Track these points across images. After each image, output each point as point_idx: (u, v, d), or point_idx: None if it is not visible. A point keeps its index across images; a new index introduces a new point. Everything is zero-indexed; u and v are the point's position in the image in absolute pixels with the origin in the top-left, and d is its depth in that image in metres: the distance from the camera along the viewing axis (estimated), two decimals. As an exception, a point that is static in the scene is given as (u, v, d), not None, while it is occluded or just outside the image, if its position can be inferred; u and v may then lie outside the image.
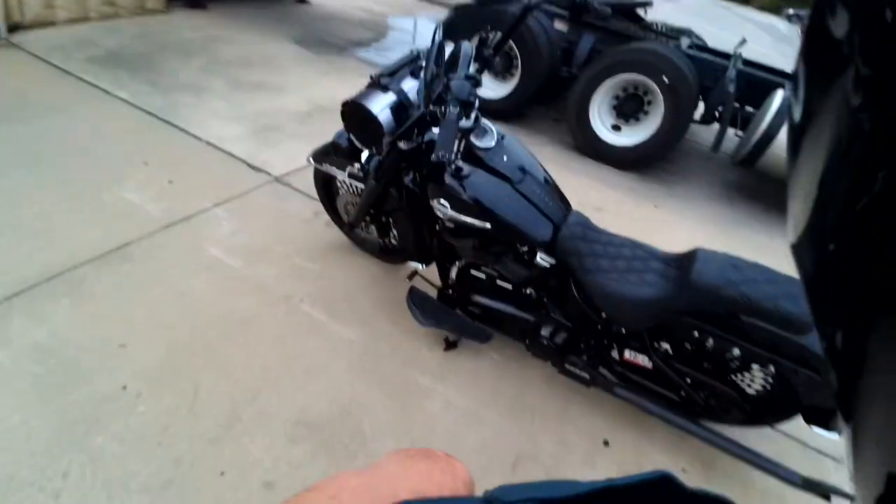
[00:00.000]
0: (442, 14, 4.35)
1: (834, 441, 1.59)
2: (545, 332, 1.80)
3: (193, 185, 2.64)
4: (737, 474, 1.77)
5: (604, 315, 1.67)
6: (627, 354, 1.75)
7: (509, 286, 1.86)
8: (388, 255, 2.33)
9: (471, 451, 1.68)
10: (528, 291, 1.83)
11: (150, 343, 1.79)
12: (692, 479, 1.72)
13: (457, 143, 1.49)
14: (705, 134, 4.26)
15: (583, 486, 0.29)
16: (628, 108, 3.77)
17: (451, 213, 1.65)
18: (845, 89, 0.17)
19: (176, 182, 2.63)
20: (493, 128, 1.72)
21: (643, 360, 1.73)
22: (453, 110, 1.40)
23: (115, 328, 1.81)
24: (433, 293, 2.05)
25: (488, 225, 1.63)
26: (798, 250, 0.21)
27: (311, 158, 2.11)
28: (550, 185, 1.78)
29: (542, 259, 1.69)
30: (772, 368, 1.49)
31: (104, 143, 2.80)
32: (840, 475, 1.81)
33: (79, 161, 2.62)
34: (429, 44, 1.65)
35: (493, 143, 1.68)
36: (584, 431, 1.83)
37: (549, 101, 4.52)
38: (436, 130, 1.67)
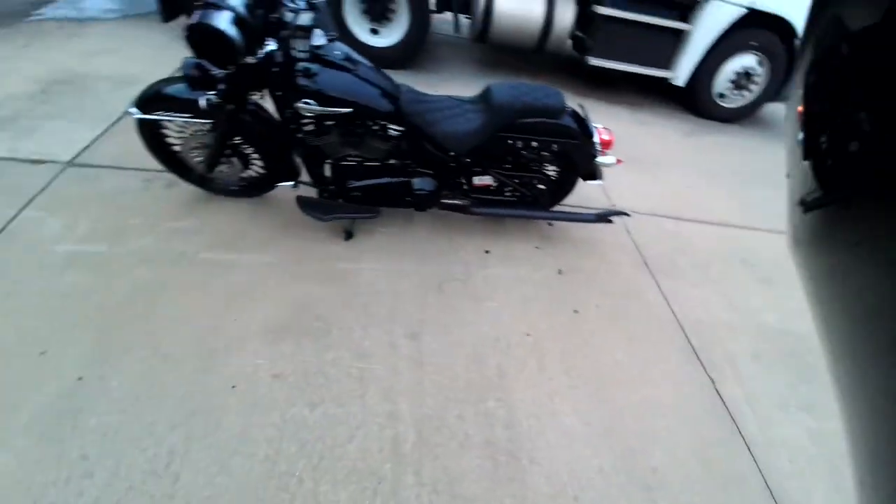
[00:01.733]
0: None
1: (599, 185, 2.58)
2: (417, 185, 2.30)
3: (-32, 198, 2.17)
4: (559, 236, 2.71)
5: (451, 153, 2.24)
6: (476, 180, 2.42)
7: (377, 163, 2.27)
8: (252, 188, 2.44)
9: (406, 294, 2.17)
10: (391, 162, 2.28)
11: (71, 339, 1.69)
12: (546, 252, 2.58)
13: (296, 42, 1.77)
14: (448, 26, 5.04)
15: None
16: (377, 10, 4.20)
17: (318, 108, 1.94)
18: None
19: (-58, 202, 2.12)
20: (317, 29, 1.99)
21: (488, 179, 2.42)
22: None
23: (22, 345, 1.64)
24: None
25: (350, 109, 1.98)
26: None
27: (134, 111, 2.02)
28: (377, 69, 2.19)
29: (393, 129, 2.15)
30: (554, 147, 2.30)
31: None
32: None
33: None
34: None
35: (325, 41, 1.96)
36: (471, 250, 2.49)
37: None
38: (271, 43, 1.86)
